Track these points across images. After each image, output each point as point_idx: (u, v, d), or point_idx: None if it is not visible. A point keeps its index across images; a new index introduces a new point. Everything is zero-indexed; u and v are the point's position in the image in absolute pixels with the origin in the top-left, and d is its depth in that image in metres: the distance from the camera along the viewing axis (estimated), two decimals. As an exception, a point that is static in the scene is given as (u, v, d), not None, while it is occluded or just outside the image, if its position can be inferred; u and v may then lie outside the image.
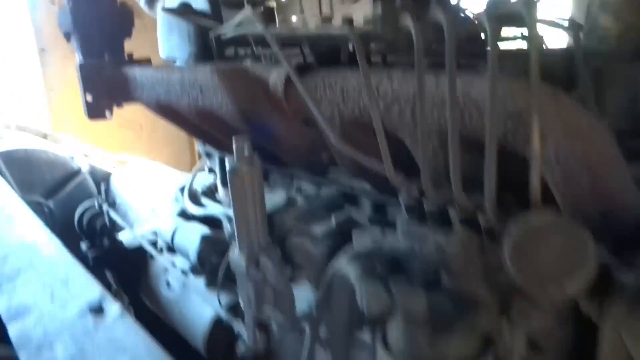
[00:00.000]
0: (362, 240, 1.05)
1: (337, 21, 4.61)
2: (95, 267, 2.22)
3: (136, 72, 2.01)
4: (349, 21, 1.24)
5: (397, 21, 0.80)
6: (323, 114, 1.20)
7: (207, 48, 2.22)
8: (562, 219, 0.74)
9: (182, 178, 3.00)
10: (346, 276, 0.93)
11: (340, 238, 1.17)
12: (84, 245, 2.22)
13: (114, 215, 2.09)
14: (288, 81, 1.35)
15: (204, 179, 2.47)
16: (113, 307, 1.31)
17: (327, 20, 1.20)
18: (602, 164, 0.84)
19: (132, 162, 3.58)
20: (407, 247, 0.91)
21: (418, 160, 1.09)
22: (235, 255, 1.10)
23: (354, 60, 1.22)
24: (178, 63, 2.74)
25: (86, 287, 1.44)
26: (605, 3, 1.11)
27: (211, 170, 2.38)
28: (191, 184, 2.44)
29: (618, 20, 1.11)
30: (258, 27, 1.20)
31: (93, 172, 3.34)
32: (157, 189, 2.96)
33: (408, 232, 0.97)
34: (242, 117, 1.47)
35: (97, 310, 1.30)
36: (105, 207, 2.11)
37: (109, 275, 2.37)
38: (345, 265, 0.94)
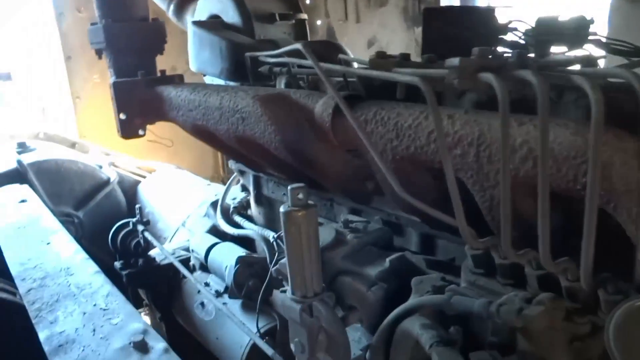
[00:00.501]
0: (422, 289, 1.01)
1: (364, 27, 4.46)
2: (129, 284, 2.21)
3: (171, 93, 1.98)
4: (405, 57, 1.19)
5: (475, 77, 0.74)
6: (376, 149, 1.15)
7: (240, 65, 2.19)
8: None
9: (211, 189, 2.98)
10: (415, 336, 0.88)
11: (395, 280, 1.13)
12: (117, 264, 2.21)
13: (148, 235, 2.08)
14: (336, 112, 1.31)
15: (235, 195, 2.44)
16: (158, 345, 1.28)
17: (380, 56, 1.15)
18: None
19: (160, 170, 3.58)
20: (479, 305, 0.86)
21: (483, 207, 1.04)
22: (288, 300, 1.06)
23: (409, 96, 1.18)
24: (209, 77, 2.71)
25: (128, 320, 1.42)
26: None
27: (244, 188, 2.35)
28: (223, 200, 2.41)
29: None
30: (310, 62, 1.16)
31: (122, 181, 3.35)
32: (186, 200, 2.95)
33: (476, 285, 0.92)
34: (286, 146, 1.43)
35: (141, 347, 1.28)
36: (140, 227, 2.09)
37: (141, 291, 2.35)
38: (415, 327, 0.90)
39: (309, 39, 2.74)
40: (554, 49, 1.71)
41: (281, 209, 1.02)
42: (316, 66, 1.14)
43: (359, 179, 1.49)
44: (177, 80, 2.22)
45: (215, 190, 2.85)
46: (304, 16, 2.71)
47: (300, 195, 1.01)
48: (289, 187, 1.01)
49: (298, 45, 1.21)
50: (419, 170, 1.19)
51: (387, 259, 1.17)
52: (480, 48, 0.78)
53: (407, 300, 1.03)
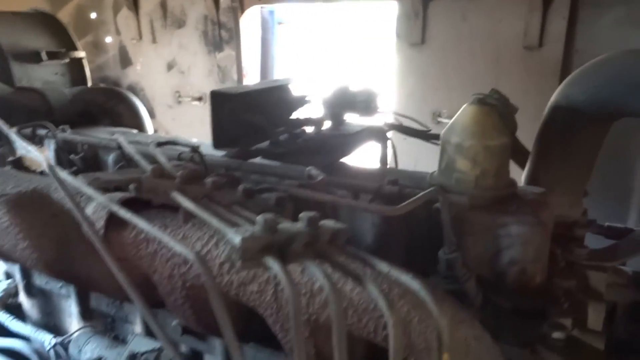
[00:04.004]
0: None
1: (162, 48, 4.13)
2: None
3: None
4: (186, 179, 1.00)
5: (259, 259, 0.61)
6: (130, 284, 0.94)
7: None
8: None
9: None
10: None
11: None
12: None
13: None
14: (110, 223, 1.06)
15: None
16: None
17: (158, 174, 0.94)
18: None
19: None
20: None
21: (285, 347, 0.92)
22: None
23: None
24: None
25: None
26: (462, 147, 1.08)
27: (8, 275, 1.88)
28: (-19, 289, 1.90)
29: (474, 165, 1.08)
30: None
31: None
32: None
33: None
34: (47, 265, 1.12)
35: None
36: None
37: None
38: None
39: (88, 81, 2.35)
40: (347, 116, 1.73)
41: None
42: (61, 185, 0.89)
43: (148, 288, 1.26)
44: None
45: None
46: (81, 54, 2.31)
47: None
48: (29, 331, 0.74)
49: (36, 154, 0.93)
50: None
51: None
52: (265, 217, 0.64)
53: None
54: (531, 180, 1.30)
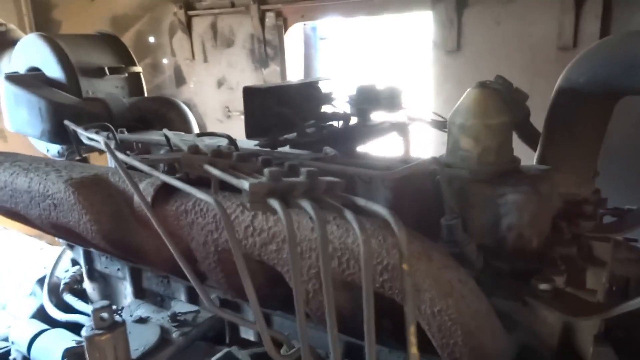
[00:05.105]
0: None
1: (213, 67, 4.39)
2: None
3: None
4: (217, 154, 1.16)
5: (265, 202, 0.75)
6: (173, 243, 1.09)
7: (62, 127, 2.00)
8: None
9: (45, 256, 2.66)
10: None
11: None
12: None
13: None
14: (156, 199, 1.24)
15: (66, 267, 2.20)
16: None
17: (193, 151, 1.11)
18: (473, 318, 0.87)
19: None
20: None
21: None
22: None
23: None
24: (31, 139, 2.43)
25: None
26: (464, 126, 1.18)
27: (75, 262, 2.13)
28: (52, 276, 2.16)
29: (477, 143, 1.17)
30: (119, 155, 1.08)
31: None
32: (8, 274, 2.59)
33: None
34: (104, 236, 1.31)
35: None
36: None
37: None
38: None
39: (145, 93, 2.61)
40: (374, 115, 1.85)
41: (83, 333, 0.92)
42: (115, 159, 1.07)
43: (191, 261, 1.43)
44: (-18, 148, 1.94)
45: (51, 258, 2.55)
46: (138, 69, 2.58)
47: (105, 315, 0.92)
48: (91, 308, 0.91)
49: (98, 138, 1.12)
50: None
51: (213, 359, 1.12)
52: (270, 170, 0.78)
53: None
54: (540, 160, 1.36)
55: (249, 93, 1.42)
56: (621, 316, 1.29)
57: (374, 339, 0.69)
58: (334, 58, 4.60)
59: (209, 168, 1.04)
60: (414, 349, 0.66)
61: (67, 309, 1.98)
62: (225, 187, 1.03)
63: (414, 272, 0.86)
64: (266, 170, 0.79)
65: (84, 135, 1.47)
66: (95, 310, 0.88)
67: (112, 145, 1.91)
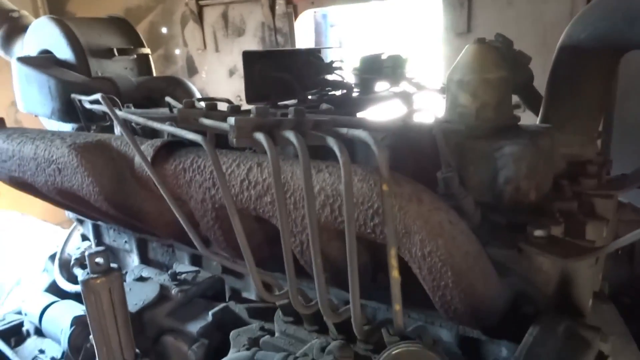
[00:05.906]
0: (240, 342, 0.98)
1: (224, 56, 4.40)
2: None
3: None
4: (212, 107, 1.17)
5: (251, 136, 0.75)
6: (171, 197, 1.10)
7: (72, 105, 2.03)
8: (423, 350, 0.74)
9: (59, 237, 2.71)
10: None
11: (218, 335, 1.09)
12: None
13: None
14: (155, 160, 1.26)
15: (77, 244, 2.24)
16: None
17: (189, 106, 1.12)
18: (463, 259, 0.86)
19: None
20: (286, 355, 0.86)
21: (296, 252, 1.05)
22: (98, 373, 0.97)
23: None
24: (41, 119, 2.47)
25: None
26: (462, 82, 1.16)
27: (85, 237, 2.16)
28: (62, 252, 2.20)
29: (474, 98, 1.16)
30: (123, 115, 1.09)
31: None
32: (24, 253, 2.64)
33: (286, 333, 0.92)
34: (106, 197, 1.33)
35: None
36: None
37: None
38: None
39: (153, 74, 2.64)
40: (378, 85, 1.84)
41: (79, 278, 0.93)
42: (113, 115, 1.08)
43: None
44: (-7, 125, 1.98)
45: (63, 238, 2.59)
46: (146, 50, 2.61)
47: (100, 260, 0.94)
48: (86, 253, 0.93)
49: (97, 96, 1.14)
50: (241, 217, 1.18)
51: (210, 313, 1.13)
52: (257, 107, 0.79)
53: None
54: (543, 120, 1.34)
55: (249, 57, 1.42)
56: (628, 284, 1.28)
57: (356, 268, 0.69)
58: (344, 44, 4.60)
59: (204, 120, 1.05)
60: (395, 273, 0.66)
61: (77, 282, 2.01)
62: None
63: (404, 214, 0.86)
64: (252, 108, 0.79)
65: (87, 102, 1.49)
66: (90, 255, 0.90)
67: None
